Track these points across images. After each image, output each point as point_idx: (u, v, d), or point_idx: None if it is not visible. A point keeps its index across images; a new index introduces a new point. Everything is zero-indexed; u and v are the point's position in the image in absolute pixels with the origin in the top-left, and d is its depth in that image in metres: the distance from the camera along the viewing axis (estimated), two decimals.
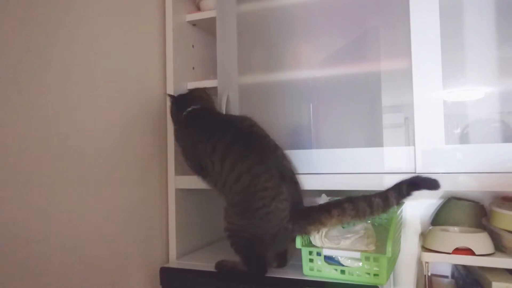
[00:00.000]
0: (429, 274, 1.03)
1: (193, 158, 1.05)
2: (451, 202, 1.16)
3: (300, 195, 0.96)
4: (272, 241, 0.94)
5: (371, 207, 0.86)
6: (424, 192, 1.22)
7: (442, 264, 1.21)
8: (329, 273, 0.94)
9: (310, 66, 1.09)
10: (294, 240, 0.95)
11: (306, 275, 0.96)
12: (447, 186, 0.92)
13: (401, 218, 1.14)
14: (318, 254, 0.95)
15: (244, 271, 0.96)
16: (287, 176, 0.94)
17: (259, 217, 0.92)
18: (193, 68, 1.30)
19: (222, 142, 0.97)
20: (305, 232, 0.94)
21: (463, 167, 0.91)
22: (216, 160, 0.97)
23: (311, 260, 0.96)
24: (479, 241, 0.96)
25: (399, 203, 0.87)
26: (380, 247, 0.96)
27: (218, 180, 0.98)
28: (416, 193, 0.86)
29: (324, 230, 0.97)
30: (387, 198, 0.86)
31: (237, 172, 0.94)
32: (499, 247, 0.98)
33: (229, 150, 0.95)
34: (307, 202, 1.37)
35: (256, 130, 0.99)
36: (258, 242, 0.94)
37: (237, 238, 0.96)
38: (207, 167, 1.00)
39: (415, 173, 0.95)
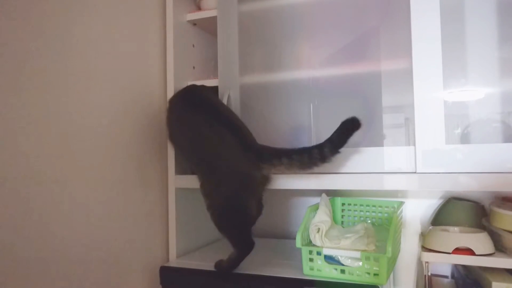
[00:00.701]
0: (429, 274, 1.03)
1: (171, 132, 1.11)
2: (451, 202, 1.16)
3: (249, 137, 0.99)
4: (241, 191, 0.96)
5: (310, 159, 0.92)
6: (424, 192, 1.24)
7: (442, 264, 1.21)
8: (329, 273, 0.94)
9: (310, 66, 1.09)
10: (260, 184, 0.99)
11: (306, 275, 0.96)
12: (447, 186, 0.92)
13: (401, 218, 1.14)
14: (318, 253, 0.95)
15: (237, 260, 0.98)
16: (227, 121, 0.98)
17: (219, 168, 0.97)
18: (194, 67, 1.30)
19: (181, 110, 1.04)
20: (258, 169, 0.95)
21: (464, 167, 0.91)
22: (181, 131, 1.04)
23: (311, 260, 0.96)
24: (479, 241, 0.96)
25: (334, 153, 0.91)
26: (380, 247, 0.96)
27: (186, 153, 1.06)
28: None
29: (324, 230, 0.97)
30: (322, 149, 0.91)
31: (188, 134, 1.01)
32: (499, 247, 0.98)
33: (183, 115, 1.03)
34: (306, 202, 1.38)
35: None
36: (234, 202, 0.96)
37: (218, 210, 0.98)
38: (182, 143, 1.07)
39: (415, 172, 0.95)
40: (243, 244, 0.98)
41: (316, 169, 0.94)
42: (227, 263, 1.00)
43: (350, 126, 0.92)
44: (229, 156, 0.96)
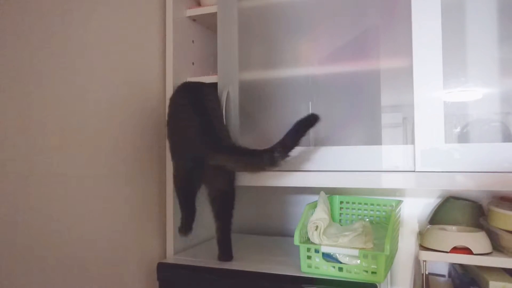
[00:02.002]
0: (427, 273, 1.03)
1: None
2: (449, 201, 1.16)
3: (217, 127, 1.03)
4: (189, 169, 1.02)
5: (259, 163, 0.93)
6: (422, 191, 1.24)
7: (439, 263, 1.21)
8: (327, 270, 0.94)
9: (310, 64, 1.09)
10: (211, 172, 1.03)
11: (304, 272, 0.96)
12: (446, 185, 0.92)
13: (399, 216, 1.15)
14: (316, 251, 0.95)
15: (185, 221, 1.06)
16: (202, 111, 1.03)
17: (181, 147, 1.04)
18: (193, 63, 1.30)
19: (175, 99, 1.10)
20: (211, 157, 0.98)
21: (463, 166, 0.91)
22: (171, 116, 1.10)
23: (309, 257, 0.96)
24: (477, 240, 0.96)
25: (284, 157, 0.92)
26: (378, 245, 0.96)
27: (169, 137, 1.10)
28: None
29: (322, 227, 0.97)
30: (272, 154, 0.92)
31: (173, 118, 1.07)
32: (497, 247, 0.98)
33: (175, 103, 1.10)
34: (304, 199, 1.38)
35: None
36: (181, 175, 1.05)
37: (174, 179, 1.08)
38: None
39: (414, 171, 0.95)
40: (184, 211, 1.06)
41: (264, 171, 0.97)
42: (219, 249, 1.09)
43: (304, 124, 0.93)
44: (190, 138, 1.01)
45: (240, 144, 1.07)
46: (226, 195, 1.08)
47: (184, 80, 1.25)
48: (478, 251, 0.94)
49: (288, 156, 0.92)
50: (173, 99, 1.11)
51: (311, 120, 0.94)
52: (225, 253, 1.09)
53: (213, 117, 1.04)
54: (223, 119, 1.11)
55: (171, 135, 1.08)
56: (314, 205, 1.05)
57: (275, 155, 0.92)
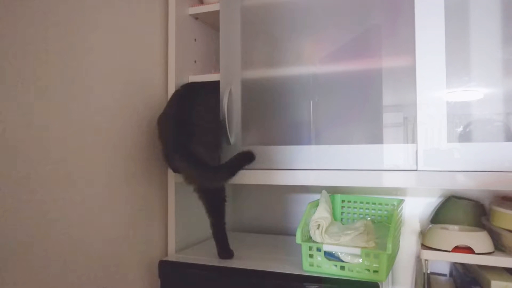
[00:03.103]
0: (428, 272, 1.03)
1: None
2: (451, 200, 1.16)
3: (197, 129, 1.05)
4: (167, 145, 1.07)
5: (198, 176, 1.02)
6: (423, 190, 1.24)
7: (440, 263, 1.21)
8: (329, 269, 0.94)
9: (312, 62, 1.09)
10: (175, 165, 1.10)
11: (306, 271, 0.96)
12: (448, 184, 0.92)
13: (401, 215, 1.15)
14: (318, 250, 0.95)
15: None
16: (186, 112, 1.06)
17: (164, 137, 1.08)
18: (195, 61, 1.30)
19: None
20: (173, 155, 1.03)
21: (465, 165, 0.91)
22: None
23: (311, 256, 0.96)
24: (479, 240, 0.96)
25: (220, 181, 1.02)
26: (380, 244, 0.96)
27: None
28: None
29: (324, 226, 0.97)
30: (216, 173, 1.00)
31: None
32: (499, 246, 0.98)
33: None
34: (306, 198, 1.38)
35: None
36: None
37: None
38: None
39: (416, 170, 0.95)
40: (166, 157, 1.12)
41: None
42: (216, 245, 1.10)
43: (242, 158, 1.02)
44: (166, 135, 1.06)
45: (204, 152, 1.07)
46: (212, 191, 1.09)
47: (186, 78, 1.25)
48: (480, 251, 0.94)
49: (225, 181, 1.00)
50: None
51: (249, 157, 1.03)
52: (224, 249, 1.09)
53: (196, 120, 1.05)
54: (215, 123, 1.11)
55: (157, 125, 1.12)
56: (316, 204, 1.05)
57: (218, 175, 0.99)
